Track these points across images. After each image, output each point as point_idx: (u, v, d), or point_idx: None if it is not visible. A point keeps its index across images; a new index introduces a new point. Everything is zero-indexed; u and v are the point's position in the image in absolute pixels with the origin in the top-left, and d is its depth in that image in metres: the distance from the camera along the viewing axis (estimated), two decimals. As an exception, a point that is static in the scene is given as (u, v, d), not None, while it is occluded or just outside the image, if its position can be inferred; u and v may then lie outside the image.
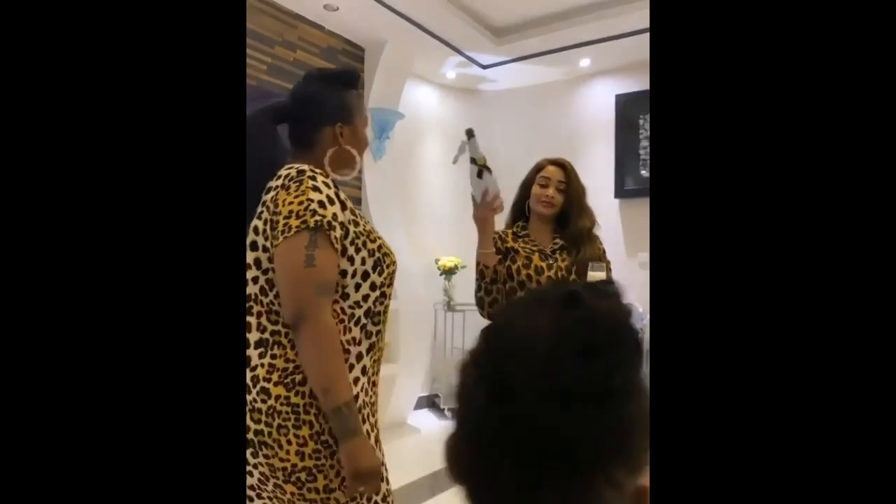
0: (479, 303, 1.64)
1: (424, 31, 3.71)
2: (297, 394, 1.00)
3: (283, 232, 0.99)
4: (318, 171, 1.06)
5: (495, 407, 0.36)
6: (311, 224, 0.99)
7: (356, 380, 1.06)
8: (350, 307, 1.07)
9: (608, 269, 1.68)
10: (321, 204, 1.01)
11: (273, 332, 1.03)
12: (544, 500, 0.37)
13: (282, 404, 0.99)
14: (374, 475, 1.00)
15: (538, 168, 1.74)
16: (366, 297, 1.09)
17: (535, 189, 1.70)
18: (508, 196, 1.73)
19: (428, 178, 4.55)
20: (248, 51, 3.12)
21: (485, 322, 1.63)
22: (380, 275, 1.11)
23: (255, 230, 1.05)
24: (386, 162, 4.01)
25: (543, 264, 1.63)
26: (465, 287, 4.08)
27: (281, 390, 0.99)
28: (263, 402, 0.99)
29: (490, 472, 0.37)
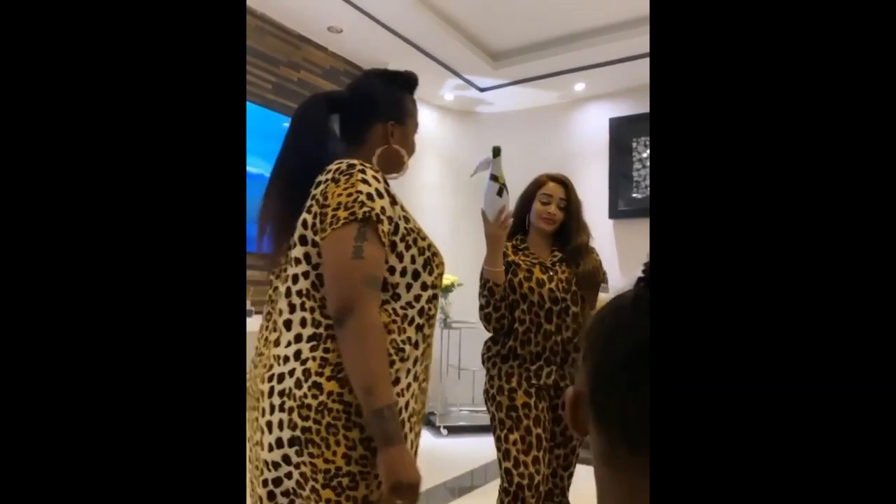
0: (487, 318, 1.66)
1: (424, 53, 3.81)
2: (350, 391, 0.94)
3: (331, 224, 0.96)
4: (367, 165, 1.03)
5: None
6: (360, 215, 0.96)
7: (408, 385, 1.02)
8: (402, 307, 1.03)
9: (605, 280, 1.74)
10: (370, 196, 0.98)
11: (327, 327, 0.98)
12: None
13: (334, 401, 0.93)
14: (414, 490, 0.93)
15: (539, 184, 1.79)
16: (418, 298, 1.05)
17: (537, 206, 1.75)
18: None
19: (425, 198, 4.62)
20: (255, 70, 3.21)
21: (486, 336, 1.70)
22: (430, 274, 1.07)
23: (304, 224, 1.01)
24: (385, 180, 4.07)
25: (544, 277, 1.68)
26: (462, 305, 4.12)
27: (334, 386, 0.94)
28: (315, 397, 0.94)
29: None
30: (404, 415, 1.01)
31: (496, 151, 1.57)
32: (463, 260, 3.40)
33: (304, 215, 1.02)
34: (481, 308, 1.65)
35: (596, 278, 1.69)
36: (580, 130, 4.54)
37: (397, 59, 3.87)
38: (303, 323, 0.99)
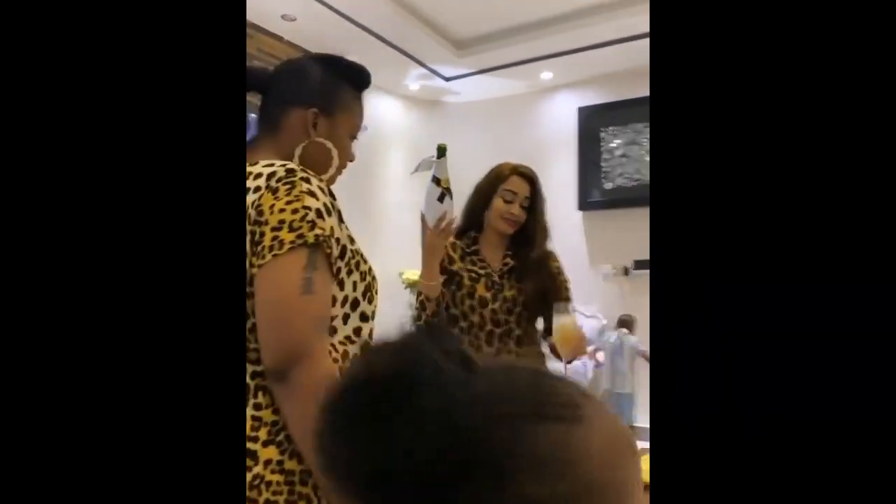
0: None
1: (385, 42, 3.67)
2: (292, 457, 0.78)
3: (271, 248, 0.76)
4: (309, 171, 0.84)
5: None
6: (311, 240, 0.77)
7: None
8: (341, 343, 0.85)
9: (564, 286, 1.58)
10: (319, 213, 0.79)
11: (255, 374, 0.80)
12: None
13: (273, 472, 0.77)
14: None
15: (501, 177, 1.55)
16: (358, 331, 0.88)
17: (498, 203, 1.53)
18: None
19: (390, 190, 4.50)
20: (202, 61, 3.03)
21: None
22: (369, 302, 0.92)
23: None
24: (347, 175, 3.92)
25: (488, 295, 1.51)
26: (429, 301, 4.02)
27: (272, 452, 0.77)
28: (248, 469, 0.77)
29: None
30: None
31: (441, 151, 1.40)
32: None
33: None
34: (413, 320, 1.50)
35: (550, 297, 1.51)
36: (548, 120, 4.45)
37: (357, 48, 3.71)
38: None
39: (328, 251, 0.80)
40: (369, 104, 4.21)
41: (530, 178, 1.56)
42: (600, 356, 3.61)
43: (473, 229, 1.61)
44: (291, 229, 0.77)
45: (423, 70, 4.12)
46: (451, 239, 1.59)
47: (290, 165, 0.83)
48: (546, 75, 4.23)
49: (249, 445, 0.78)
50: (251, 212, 0.79)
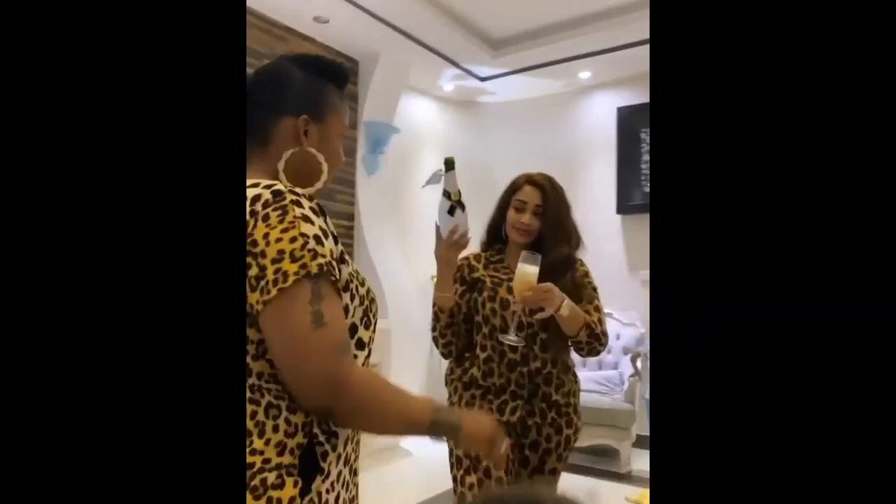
0: (435, 341, 1.53)
1: (419, 43, 3.62)
2: (268, 503, 0.73)
3: (275, 283, 0.72)
4: (298, 190, 0.79)
5: None
6: (314, 270, 0.73)
7: (339, 475, 0.81)
8: None
9: (589, 289, 1.53)
10: (318, 239, 0.75)
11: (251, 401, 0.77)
12: None
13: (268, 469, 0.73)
14: (498, 436, 0.91)
15: (514, 188, 1.56)
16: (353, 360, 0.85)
17: (511, 214, 1.53)
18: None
19: (424, 192, 4.45)
20: (236, 64, 3.04)
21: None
22: (367, 328, 0.87)
23: None
24: (380, 177, 3.92)
25: (510, 297, 1.48)
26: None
27: (247, 499, 0.73)
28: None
29: None
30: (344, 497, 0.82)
31: (448, 164, 1.37)
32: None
33: None
34: (431, 330, 1.51)
35: (578, 291, 1.48)
36: (587, 120, 4.33)
37: (391, 49, 3.69)
38: (275, 427, 0.76)
39: (333, 278, 0.76)
40: (403, 105, 4.16)
41: (541, 186, 1.54)
42: (639, 363, 3.48)
43: (498, 242, 1.62)
44: (293, 259, 0.73)
45: (457, 70, 4.06)
46: (478, 251, 1.62)
47: (277, 187, 0.78)
48: (584, 74, 4.11)
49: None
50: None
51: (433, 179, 1.44)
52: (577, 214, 1.59)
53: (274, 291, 0.72)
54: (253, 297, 0.73)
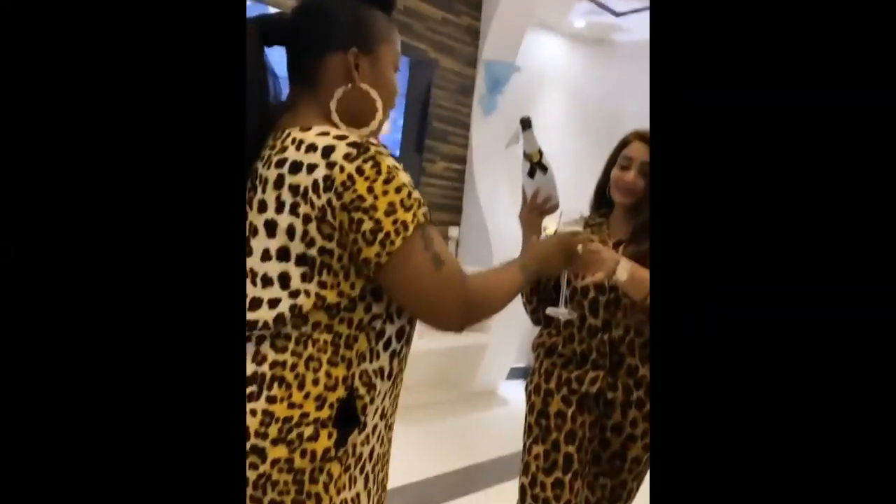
0: (525, 307, 1.50)
1: (548, -27, 3.35)
2: (304, 455, 0.75)
3: (397, 233, 0.74)
4: (371, 141, 0.78)
5: None
6: (422, 218, 0.76)
7: (374, 428, 0.82)
8: (380, 322, 0.80)
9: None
10: (412, 185, 0.78)
11: (274, 364, 0.76)
12: None
13: (280, 470, 0.74)
14: (570, 246, 1.02)
15: (623, 144, 1.42)
16: (398, 312, 0.83)
17: (615, 172, 1.40)
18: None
19: (544, 136, 4.23)
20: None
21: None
22: None
23: (291, 233, 0.75)
24: (497, 118, 3.76)
25: None
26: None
27: (282, 451, 0.74)
28: (253, 467, 0.74)
29: None
30: (367, 464, 0.82)
31: (525, 123, 1.29)
32: (583, 201, 3.05)
33: (286, 218, 0.75)
34: (521, 295, 1.43)
35: None
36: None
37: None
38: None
39: (431, 221, 0.81)
40: (529, 43, 3.94)
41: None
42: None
43: (603, 206, 1.49)
44: (406, 208, 0.75)
45: (590, 4, 3.75)
46: (583, 213, 1.51)
47: (351, 139, 0.76)
48: (739, 9, 3.61)
49: (258, 442, 0.75)
50: (331, 196, 0.74)
51: (513, 140, 1.33)
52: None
53: (399, 242, 0.74)
54: (371, 251, 0.75)
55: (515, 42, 3.72)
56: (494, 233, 3.65)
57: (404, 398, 0.96)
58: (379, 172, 0.74)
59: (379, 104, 0.85)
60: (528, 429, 1.40)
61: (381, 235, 0.74)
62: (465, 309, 0.80)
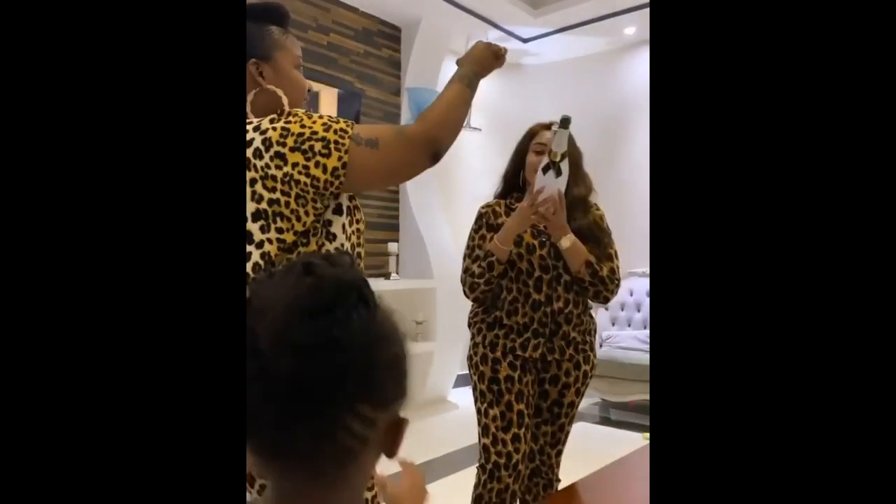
0: (472, 287, 1.58)
1: (459, 7, 3.66)
2: None
3: (342, 137, 0.91)
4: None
5: (252, 361, 0.45)
6: (349, 121, 0.95)
7: None
8: (323, 248, 0.95)
9: (607, 237, 1.58)
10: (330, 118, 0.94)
11: None
12: (297, 435, 0.45)
13: None
14: (497, 48, 1.10)
15: (531, 134, 1.63)
16: (356, 233, 1.01)
17: (530, 157, 1.59)
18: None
19: (467, 156, 4.52)
20: (282, 36, 3.19)
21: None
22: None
23: (263, 185, 0.90)
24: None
25: (535, 242, 1.56)
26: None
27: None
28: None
29: (253, 415, 0.45)
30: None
31: (564, 122, 1.39)
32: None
33: (255, 183, 0.90)
34: (471, 275, 1.55)
35: (593, 233, 1.54)
36: (633, 78, 4.25)
37: (432, 14, 3.75)
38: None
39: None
40: (446, 70, 4.21)
41: None
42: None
43: (515, 191, 1.66)
44: (335, 121, 0.92)
45: (499, 32, 4.06)
46: (497, 200, 1.66)
47: (273, 115, 0.95)
48: (629, 30, 4.03)
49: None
50: (274, 151, 0.90)
51: (553, 135, 1.46)
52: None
53: (348, 142, 0.91)
54: (331, 162, 0.90)
55: (435, 70, 4.01)
56: (431, 245, 3.86)
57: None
58: (300, 116, 0.92)
59: (285, 100, 1.01)
60: (482, 395, 1.55)
61: (332, 145, 0.90)
62: (425, 138, 0.94)
